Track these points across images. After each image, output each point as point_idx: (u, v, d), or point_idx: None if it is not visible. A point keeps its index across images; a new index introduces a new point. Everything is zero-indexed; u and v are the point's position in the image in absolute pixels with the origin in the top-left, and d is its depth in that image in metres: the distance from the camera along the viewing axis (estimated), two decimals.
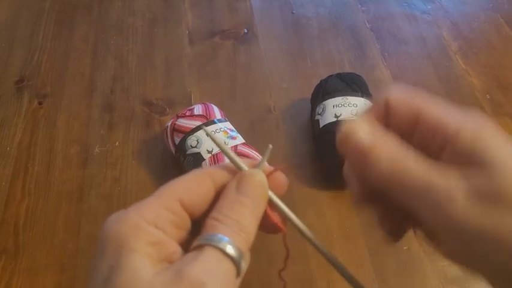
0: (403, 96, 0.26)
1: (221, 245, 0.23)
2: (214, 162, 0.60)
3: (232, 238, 0.24)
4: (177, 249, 0.24)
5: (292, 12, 0.95)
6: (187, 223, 0.26)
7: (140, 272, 0.22)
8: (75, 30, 0.90)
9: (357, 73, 0.73)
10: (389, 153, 0.24)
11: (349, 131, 0.25)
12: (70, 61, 0.84)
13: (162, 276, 0.22)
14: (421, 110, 0.26)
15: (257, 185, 0.27)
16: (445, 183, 0.23)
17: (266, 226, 0.28)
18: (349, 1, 0.97)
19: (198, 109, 0.66)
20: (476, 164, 0.23)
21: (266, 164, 0.29)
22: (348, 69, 0.82)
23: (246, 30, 0.90)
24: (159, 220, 0.24)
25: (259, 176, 0.27)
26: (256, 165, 0.28)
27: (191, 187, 0.26)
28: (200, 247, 0.23)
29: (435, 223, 0.23)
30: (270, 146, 0.29)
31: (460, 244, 0.23)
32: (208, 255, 0.23)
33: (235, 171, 0.28)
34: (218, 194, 0.27)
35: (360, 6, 0.96)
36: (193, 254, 0.23)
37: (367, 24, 0.92)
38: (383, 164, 0.24)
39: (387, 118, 0.27)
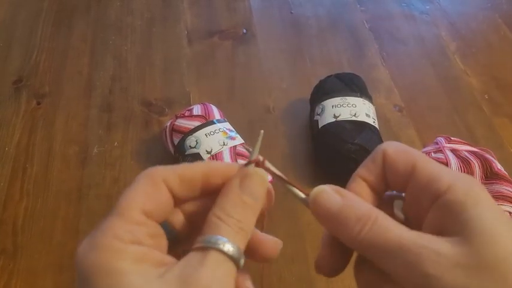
0: (401, 148, 0.27)
1: (225, 248, 0.23)
2: None
3: (234, 239, 0.24)
4: (163, 256, 0.24)
5: (291, 12, 0.95)
6: (158, 230, 0.26)
7: (144, 286, 0.22)
8: (74, 29, 0.90)
9: (356, 73, 0.73)
10: (358, 215, 0.25)
11: (318, 196, 0.27)
12: (68, 61, 0.84)
13: (167, 282, 0.22)
14: (417, 162, 0.26)
15: (261, 184, 0.27)
16: (415, 242, 0.23)
17: (255, 255, 0.28)
18: (347, 1, 0.97)
19: (197, 109, 0.66)
20: (458, 227, 0.23)
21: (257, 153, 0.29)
22: (346, 69, 0.82)
23: (244, 30, 0.90)
24: (133, 236, 0.24)
25: (263, 175, 0.27)
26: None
27: (149, 197, 0.25)
28: (204, 250, 0.23)
29: (410, 284, 0.23)
30: (262, 131, 0.29)
31: None
32: (214, 260, 0.23)
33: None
34: (205, 184, 0.27)
35: (358, 6, 0.96)
36: (197, 258, 0.23)
37: (365, 24, 0.92)
38: (354, 229, 0.25)
39: (383, 169, 0.28)
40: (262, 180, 0.27)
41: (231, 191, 0.26)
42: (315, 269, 0.29)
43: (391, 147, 0.27)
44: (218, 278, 0.23)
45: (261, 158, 0.28)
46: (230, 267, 0.23)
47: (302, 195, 0.29)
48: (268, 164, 0.29)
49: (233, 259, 0.24)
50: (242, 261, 0.24)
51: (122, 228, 0.24)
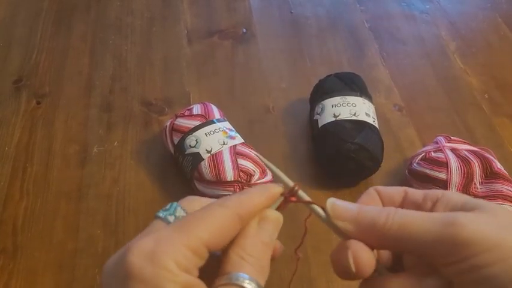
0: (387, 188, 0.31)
1: (248, 286, 0.25)
2: (213, 162, 0.60)
3: (255, 276, 0.26)
4: None
5: (291, 12, 0.95)
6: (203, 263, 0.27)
7: None
8: (73, 29, 0.90)
9: (356, 73, 0.73)
10: (378, 210, 0.28)
11: (334, 208, 0.29)
12: (68, 60, 0.84)
13: None
14: (407, 190, 0.30)
15: (276, 226, 0.29)
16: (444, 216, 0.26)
17: None
18: (347, 0, 0.97)
19: (197, 109, 0.66)
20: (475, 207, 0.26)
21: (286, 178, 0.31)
22: (346, 68, 0.82)
23: (244, 30, 0.90)
24: (189, 265, 0.25)
25: (278, 217, 0.30)
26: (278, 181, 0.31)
27: (220, 232, 0.26)
28: (228, 286, 0.25)
29: (453, 256, 0.25)
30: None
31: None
32: None
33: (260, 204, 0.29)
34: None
35: (358, 5, 0.96)
36: None
37: (365, 23, 0.92)
38: (379, 219, 0.27)
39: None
40: (278, 222, 0.30)
41: (250, 231, 0.28)
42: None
43: (378, 188, 0.31)
44: None
45: (296, 187, 0.31)
46: None
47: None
48: (301, 193, 0.31)
49: None
50: None
51: (181, 253, 0.24)
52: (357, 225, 0.28)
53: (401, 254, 0.30)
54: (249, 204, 0.28)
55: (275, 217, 0.29)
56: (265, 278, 0.27)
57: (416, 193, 0.29)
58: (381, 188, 0.30)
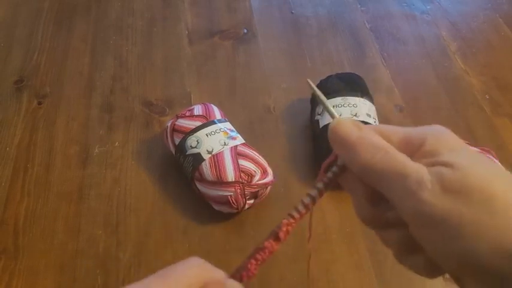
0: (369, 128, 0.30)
1: None
2: (214, 163, 0.60)
3: None
4: None
5: (292, 12, 0.95)
6: None
7: None
8: (74, 29, 0.90)
9: (356, 73, 0.73)
10: (373, 144, 0.28)
11: (338, 126, 0.29)
12: (69, 61, 0.84)
13: None
14: (385, 131, 0.29)
15: None
16: (417, 171, 0.26)
17: None
18: (348, 1, 0.97)
19: (198, 109, 0.66)
20: (442, 162, 0.26)
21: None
22: (347, 69, 0.82)
23: (245, 30, 0.90)
24: None
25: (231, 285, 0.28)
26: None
27: None
28: None
29: (407, 209, 0.26)
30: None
31: (428, 232, 0.26)
32: None
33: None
34: None
35: (359, 6, 0.96)
36: None
37: (366, 24, 0.92)
38: (368, 154, 0.27)
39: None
40: None
41: None
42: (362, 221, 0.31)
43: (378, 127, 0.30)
44: None
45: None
46: None
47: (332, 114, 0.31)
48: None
49: None
50: None
51: None
52: (347, 151, 0.29)
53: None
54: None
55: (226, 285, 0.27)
56: None
57: (394, 142, 0.29)
58: (381, 127, 0.30)
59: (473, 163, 0.26)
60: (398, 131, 0.29)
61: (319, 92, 0.32)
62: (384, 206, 0.29)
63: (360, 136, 0.28)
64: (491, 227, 0.24)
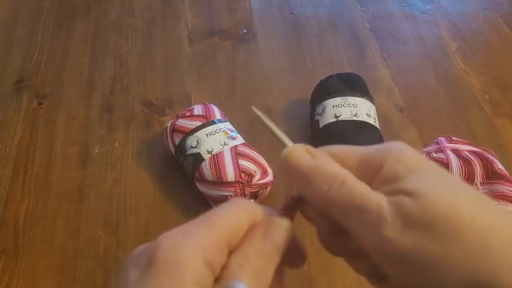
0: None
1: None
2: (214, 163, 0.60)
3: (253, 285, 0.24)
4: None
5: (292, 12, 0.95)
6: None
7: None
8: (74, 29, 0.90)
9: (356, 73, 0.73)
10: (329, 174, 0.26)
11: (290, 155, 0.27)
12: (69, 61, 0.84)
13: None
14: (340, 154, 0.27)
15: (283, 235, 0.27)
16: (377, 203, 0.24)
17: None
18: (348, 1, 0.97)
19: (198, 109, 0.66)
20: (402, 191, 0.24)
21: (287, 140, 0.29)
22: (347, 69, 0.82)
23: (245, 30, 0.90)
24: (213, 263, 0.24)
25: (286, 224, 0.27)
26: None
27: (239, 233, 0.26)
28: None
29: (369, 245, 0.25)
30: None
31: (393, 267, 0.24)
32: None
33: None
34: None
35: (359, 6, 0.96)
36: None
37: (366, 24, 0.92)
38: (324, 186, 0.25)
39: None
40: (285, 231, 0.27)
41: (254, 239, 0.26)
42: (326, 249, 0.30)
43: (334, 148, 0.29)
44: None
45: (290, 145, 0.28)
46: None
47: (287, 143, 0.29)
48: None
49: None
50: None
51: (210, 247, 0.24)
52: (301, 184, 0.27)
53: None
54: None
55: (283, 224, 0.27)
56: None
57: (352, 166, 0.27)
58: (336, 149, 0.28)
59: (435, 187, 0.24)
60: (355, 154, 0.27)
61: (266, 119, 0.30)
62: (349, 235, 0.27)
63: (314, 165, 0.26)
64: (461, 258, 0.22)
